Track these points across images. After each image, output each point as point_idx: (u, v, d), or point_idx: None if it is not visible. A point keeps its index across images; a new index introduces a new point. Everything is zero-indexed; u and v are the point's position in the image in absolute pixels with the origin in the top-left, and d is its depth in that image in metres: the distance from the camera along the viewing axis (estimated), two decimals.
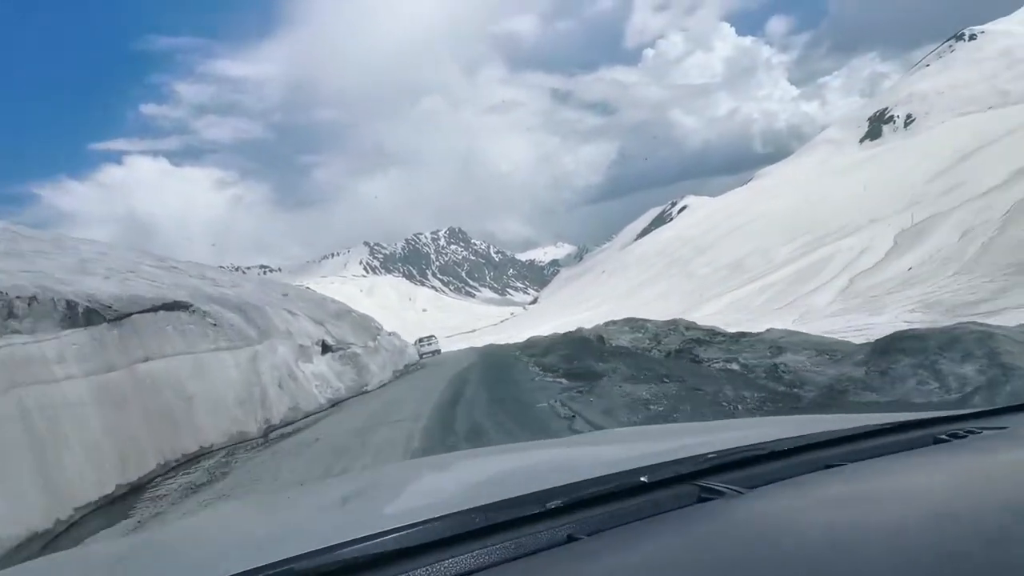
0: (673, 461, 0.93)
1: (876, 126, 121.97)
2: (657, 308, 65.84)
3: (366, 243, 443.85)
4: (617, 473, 0.89)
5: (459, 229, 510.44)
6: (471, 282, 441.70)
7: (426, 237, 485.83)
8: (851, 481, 0.84)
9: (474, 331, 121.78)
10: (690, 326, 12.48)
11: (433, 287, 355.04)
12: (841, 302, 42.81)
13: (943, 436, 1.01)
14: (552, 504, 0.81)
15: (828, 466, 0.91)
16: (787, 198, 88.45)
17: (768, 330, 10.76)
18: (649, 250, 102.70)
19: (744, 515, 0.75)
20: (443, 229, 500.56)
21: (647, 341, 11.59)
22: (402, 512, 1.04)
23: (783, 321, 40.41)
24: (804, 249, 61.60)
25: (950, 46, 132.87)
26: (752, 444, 1.01)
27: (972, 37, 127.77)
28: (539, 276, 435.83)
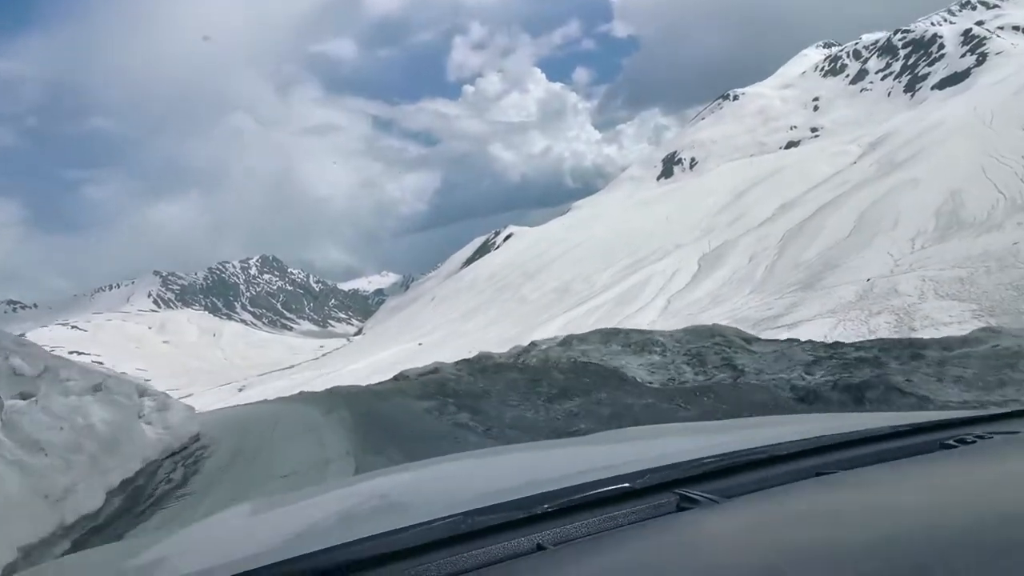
0: (654, 468, 0.89)
1: (669, 166, 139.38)
2: (492, 333, 65.28)
3: (157, 272, 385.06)
4: (595, 481, 0.85)
5: (273, 257, 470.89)
6: (288, 314, 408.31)
7: (234, 266, 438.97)
8: (840, 489, 0.80)
9: (292, 367, 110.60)
10: (748, 337, 8.43)
11: (243, 320, 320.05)
12: (663, 321, 45.95)
13: (950, 441, 0.94)
14: (523, 513, 0.78)
15: (819, 473, 0.87)
16: (602, 227, 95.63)
17: (984, 329, 7.24)
18: (480, 276, 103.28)
19: (718, 525, 0.72)
20: (255, 257, 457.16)
21: (689, 367, 7.03)
22: (370, 522, 1.01)
23: None
24: (623, 273, 66.16)
25: (719, 104, 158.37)
26: (739, 450, 0.95)
27: (736, 97, 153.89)
28: (363, 306, 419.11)
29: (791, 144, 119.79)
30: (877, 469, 0.86)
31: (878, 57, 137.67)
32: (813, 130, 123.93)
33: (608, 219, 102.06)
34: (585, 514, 0.79)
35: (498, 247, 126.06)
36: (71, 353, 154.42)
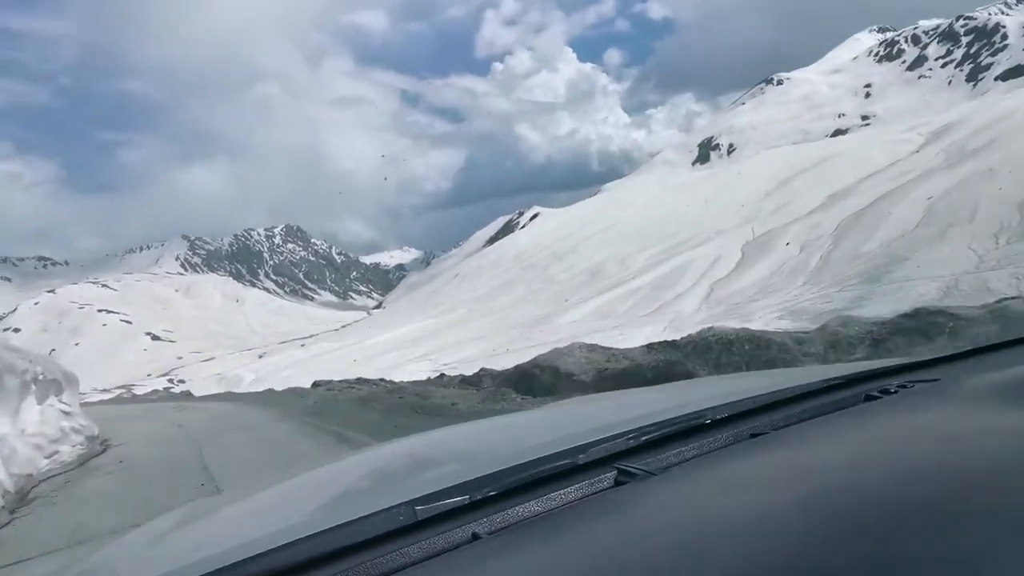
0: (594, 442, 0.88)
1: (705, 151, 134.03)
2: (518, 313, 62.72)
3: (185, 237, 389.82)
4: (537, 459, 0.84)
5: (298, 227, 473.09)
6: (310, 284, 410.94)
7: (259, 234, 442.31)
8: (770, 451, 0.80)
9: (312, 336, 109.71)
10: None
11: (266, 288, 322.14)
12: (707, 309, 42.76)
13: (874, 393, 0.97)
14: (462, 501, 0.75)
15: (754, 435, 0.86)
16: (636, 210, 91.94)
17: None
18: (505, 254, 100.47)
19: (653, 499, 0.71)
20: (279, 226, 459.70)
21: None
22: (301, 523, 0.94)
23: (655, 328, 38.94)
24: (659, 257, 62.80)
25: (761, 89, 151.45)
26: (675, 417, 0.95)
27: (780, 82, 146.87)
28: (384, 280, 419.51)
29: (838, 132, 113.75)
30: (805, 427, 0.87)
31: (938, 43, 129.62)
32: (864, 118, 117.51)
33: (642, 202, 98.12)
34: (526, 495, 0.76)
35: (523, 226, 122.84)
36: (100, 311, 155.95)
